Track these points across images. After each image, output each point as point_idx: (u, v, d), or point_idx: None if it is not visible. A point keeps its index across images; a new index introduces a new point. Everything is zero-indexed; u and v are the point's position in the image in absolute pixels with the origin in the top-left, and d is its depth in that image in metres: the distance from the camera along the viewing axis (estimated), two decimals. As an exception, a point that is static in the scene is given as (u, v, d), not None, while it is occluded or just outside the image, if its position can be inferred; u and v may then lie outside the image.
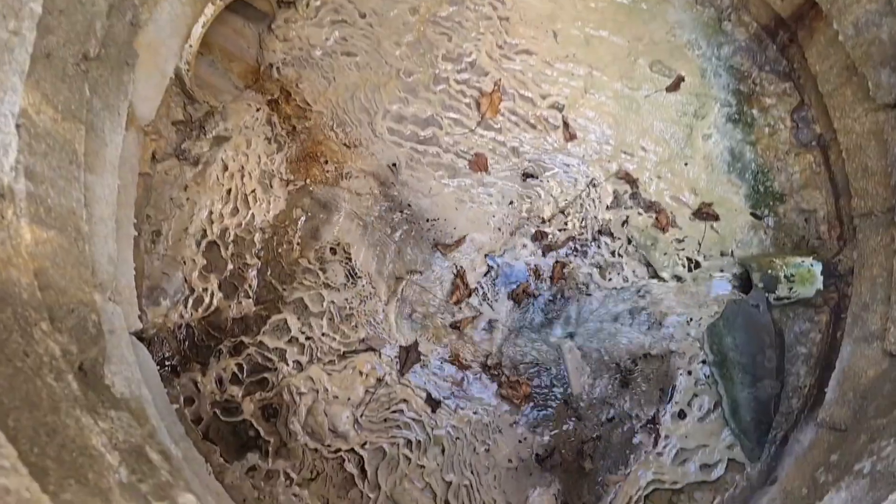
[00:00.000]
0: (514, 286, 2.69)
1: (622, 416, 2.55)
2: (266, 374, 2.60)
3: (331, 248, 2.76)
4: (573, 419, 2.57)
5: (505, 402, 2.59)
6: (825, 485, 1.68)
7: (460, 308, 2.69)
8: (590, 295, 2.65)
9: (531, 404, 2.59)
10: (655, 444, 2.48)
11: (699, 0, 2.69)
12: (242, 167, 2.78)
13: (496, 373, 2.63)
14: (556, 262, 2.68)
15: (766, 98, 2.62)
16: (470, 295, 2.71)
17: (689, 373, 2.53)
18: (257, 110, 2.82)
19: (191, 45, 2.56)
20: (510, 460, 2.54)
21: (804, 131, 2.53)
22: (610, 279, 2.65)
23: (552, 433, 2.56)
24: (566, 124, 2.72)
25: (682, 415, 2.50)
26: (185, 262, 2.68)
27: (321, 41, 2.83)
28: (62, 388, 1.24)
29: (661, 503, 2.43)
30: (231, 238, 2.74)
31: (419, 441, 2.53)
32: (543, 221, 2.73)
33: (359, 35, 2.83)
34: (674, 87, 2.68)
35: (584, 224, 2.70)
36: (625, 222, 2.67)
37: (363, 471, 2.50)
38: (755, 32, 2.63)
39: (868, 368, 1.97)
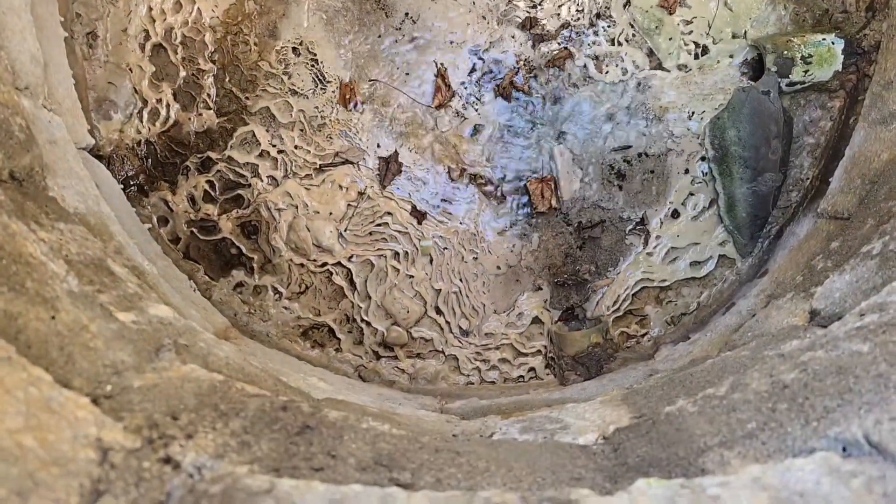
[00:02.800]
0: (501, 79, 2.44)
1: (614, 220, 2.47)
2: (240, 191, 2.45)
3: (293, 48, 2.45)
4: (563, 224, 2.49)
5: (538, 215, 2.48)
6: (824, 270, 1.63)
7: (443, 113, 2.46)
8: (584, 90, 2.41)
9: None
10: (646, 244, 2.44)
11: None
12: (178, -50, 2.34)
13: (482, 183, 2.49)
14: (565, 47, 2.38)
15: None
16: (453, 97, 2.46)
17: (687, 171, 2.40)
18: None
19: None
20: (499, 267, 2.51)
21: None
22: (607, 72, 2.39)
23: (541, 239, 2.50)
24: None
25: (675, 214, 2.42)
26: (131, 70, 2.38)
27: None
28: (-20, 190, 1.08)
29: (649, 300, 2.46)
30: (178, 39, 2.40)
31: (407, 252, 2.47)
32: (534, 6, 2.39)
33: None
34: None
35: (580, 7, 2.37)
36: (627, 3, 2.33)
37: (352, 282, 2.47)
38: None
39: (882, 152, 1.82)
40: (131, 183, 2.40)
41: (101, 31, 2.33)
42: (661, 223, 2.43)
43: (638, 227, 2.46)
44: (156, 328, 1.28)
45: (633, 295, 2.45)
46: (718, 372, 1.35)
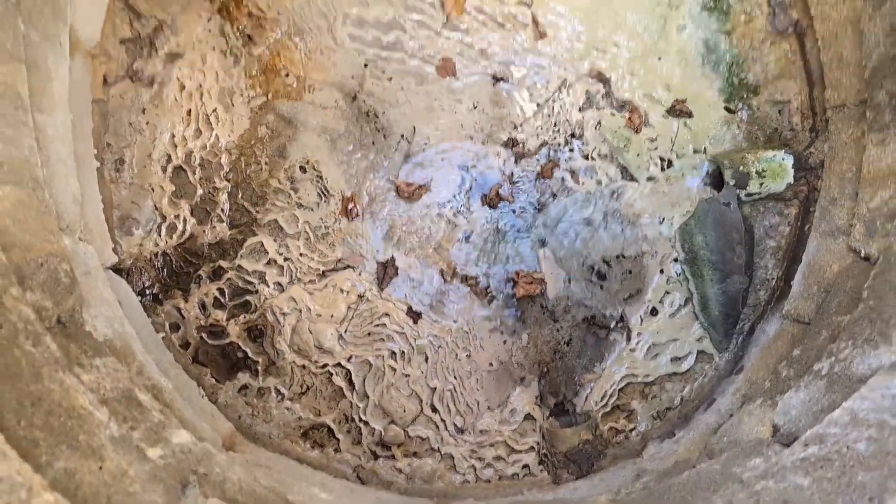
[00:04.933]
0: (488, 190, 2.68)
1: (597, 317, 2.63)
2: (248, 297, 2.63)
3: (300, 167, 2.71)
4: (550, 322, 2.65)
5: (524, 301, 2.65)
6: (786, 379, 1.77)
7: (436, 221, 2.69)
8: (563, 199, 2.64)
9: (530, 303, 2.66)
10: (629, 340, 2.58)
11: None
12: (200, 85, 2.64)
13: (473, 283, 2.68)
14: (550, 160, 2.64)
15: (743, -18, 2.48)
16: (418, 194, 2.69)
17: (662, 271, 2.59)
18: (208, 20, 2.65)
19: (127, -46, 2.35)
20: (491, 364, 2.64)
21: (780, 17, 2.41)
22: (583, 183, 2.64)
23: (530, 336, 2.65)
24: (536, 21, 2.58)
25: (654, 312, 2.58)
26: (153, 190, 2.62)
27: (269, -60, 2.61)
28: (41, 352, 1.24)
29: (635, 395, 2.58)
30: (197, 161, 2.66)
31: (403, 352, 2.62)
32: (516, 127, 2.67)
33: (309, -69, 2.61)
34: (648, -26, 2.52)
35: (556, 128, 2.64)
36: (598, 124, 2.61)
37: (351, 382, 2.60)
38: None
39: (833, 263, 2.01)
40: (147, 292, 2.58)
41: (128, 157, 2.59)
42: (642, 320, 2.59)
43: (620, 325, 2.61)
44: (179, 459, 1.41)
45: (619, 390, 2.57)
46: (692, 489, 1.46)
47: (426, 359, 2.62)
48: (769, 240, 2.47)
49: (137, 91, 2.59)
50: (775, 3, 2.42)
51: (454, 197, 2.71)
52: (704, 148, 2.56)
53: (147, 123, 2.63)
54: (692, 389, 2.52)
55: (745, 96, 2.53)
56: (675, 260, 2.58)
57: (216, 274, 2.64)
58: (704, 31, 2.52)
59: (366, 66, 2.65)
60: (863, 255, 1.82)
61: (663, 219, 2.59)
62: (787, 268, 2.41)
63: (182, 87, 2.63)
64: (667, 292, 2.58)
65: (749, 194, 2.41)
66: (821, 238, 2.14)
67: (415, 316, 2.66)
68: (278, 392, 2.56)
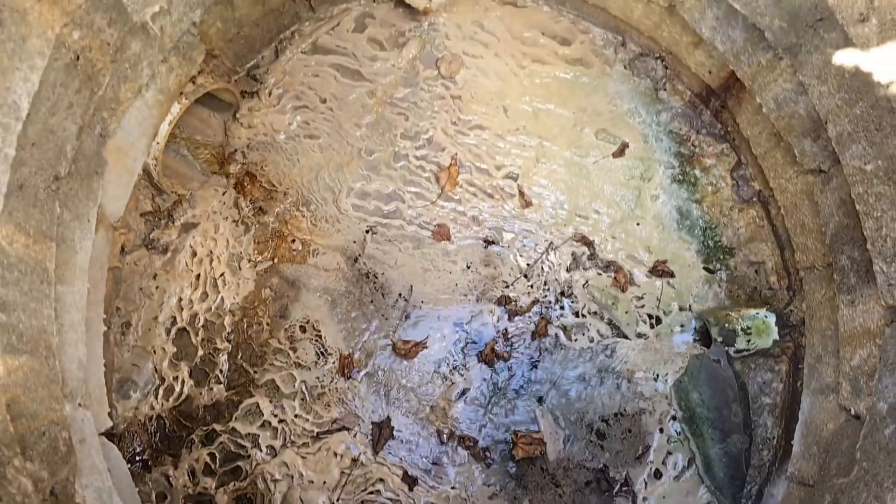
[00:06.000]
0: (483, 347, 2.73)
1: (600, 480, 2.54)
2: (239, 463, 2.56)
3: (300, 326, 2.79)
4: (552, 486, 2.55)
5: (524, 463, 2.57)
6: (797, 548, 1.68)
7: (434, 380, 2.71)
8: (557, 356, 2.69)
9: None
10: (634, 505, 2.47)
11: (636, 72, 2.87)
12: (211, 252, 2.82)
13: (471, 445, 2.62)
14: (542, 317, 2.73)
15: (705, 159, 2.76)
16: (414, 352, 2.73)
17: (661, 430, 2.55)
18: (223, 194, 2.89)
19: (158, 143, 2.64)
20: (491, 533, 2.50)
21: (744, 188, 2.66)
22: (576, 339, 2.70)
23: (532, 503, 2.54)
24: (521, 192, 2.83)
25: (657, 474, 2.50)
26: (155, 352, 2.68)
27: (284, 126, 2.95)
28: (32, 526, 1.24)
29: (645, 568, 2.40)
30: (201, 323, 2.75)
31: (397, 520, 2.49)
32: (508, 286, 2.79)
33: (320, 119, 2.95)
34: (619, 152, 2.82)
35: (546, 287, 2.77)
36: (585, 283, 2.74)
37: (342, 556, 2.44)
38: (689, 100, 2.80)
39: (828, 421, 2.00)
40: (137, 458, 2.53)
41: (134, 321, 2.68)
42: (646, 484, 2.49)
43: (625, 488, 2.51)
44: None
45: (628, 563, 2.40)
46: None
47: (422, 529, 2.49)
48: (764, 397, 2.47)
49: (151, 258, 2.76)
50: (737, 177, 2.68)
51: (450, 354, 2.75)
52: (689, 305, 2.66)
53: (157, 288, 2.76)
54: (706, 562, 2.35)
55: (721, 257, 2.69)
56: (674, 418, 2.55)
57: (209, 438, 2.60)
58: (676, 200, 2.75)
59: (367, 231, 2.84)
60: (853, 413, 1.83)
61: (657, 375, 2.61)
62: (785, 426, 2.38)
63: (194, 254, 2.81)
64: (669, 452, 2.52)
65: (738, 351, 2.46)
66: (813, 396, 2.15)
67: (410, 482, 2.57)
68: (263, 570, 2.39)
